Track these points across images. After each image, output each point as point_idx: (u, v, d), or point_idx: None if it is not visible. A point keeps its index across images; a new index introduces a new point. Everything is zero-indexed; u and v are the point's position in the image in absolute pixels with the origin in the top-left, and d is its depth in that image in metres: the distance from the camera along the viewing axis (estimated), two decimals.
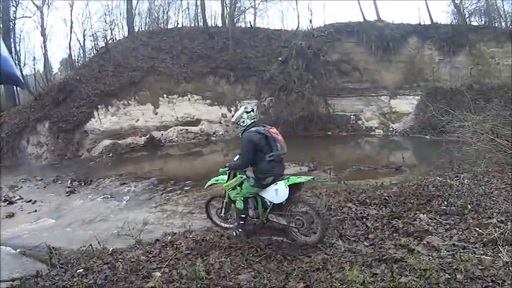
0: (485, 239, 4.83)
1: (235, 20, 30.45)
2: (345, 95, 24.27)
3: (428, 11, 26.66)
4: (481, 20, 27.98)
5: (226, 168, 5.79)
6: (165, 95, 23.38)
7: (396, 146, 19.48)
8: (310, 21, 29.25)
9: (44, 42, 30.37)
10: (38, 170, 16.85)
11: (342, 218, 6.16)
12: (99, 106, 20.95)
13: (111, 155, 19.59)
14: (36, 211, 11.10)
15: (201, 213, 7.31)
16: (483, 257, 4.38)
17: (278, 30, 28.78)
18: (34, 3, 29.54)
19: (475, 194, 6.76)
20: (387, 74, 23.93)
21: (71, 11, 31.11)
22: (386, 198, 6.95)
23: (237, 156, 5.82)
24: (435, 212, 5.99)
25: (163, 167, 16.79)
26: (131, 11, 29.20)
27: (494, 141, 9.04)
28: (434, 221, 5.70)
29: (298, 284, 4.24)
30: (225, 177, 5.94)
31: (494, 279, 3.94)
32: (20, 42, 30.81)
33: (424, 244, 4.96)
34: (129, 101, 22.22)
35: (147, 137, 21.55)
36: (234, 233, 5.68)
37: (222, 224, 6.39)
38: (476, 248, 4.68)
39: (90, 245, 6.32)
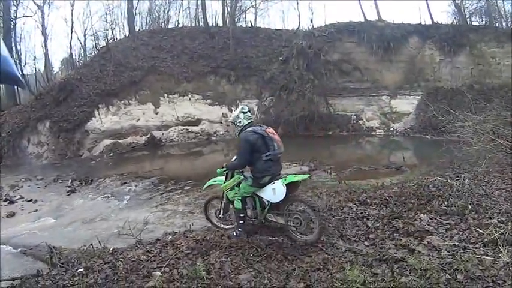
0: (485, 239, 4.82)
1: (236, 19, 30.48)
2: (346, 94, 24.25)
3: (429, 11, 26.78)
4: (482, 20, 28.00)
5: (223, 169, 5.80)
6: (165, 95, 23.40)
7: (397, 146, 19.47)
8: (311, 21, 29.42)
9: (45, 41, 30.45)
10: (39, 170, 16.88)
11: (343, 217, 6.15)
12: (99, 105, 20.98)
13: (111, 154, 19.61)
14: (36, 210, 11.12)
15: (201, 212, 7.30)
16: (484, 257, 4.38)
17: (279, 29, 28.80)
18: (35, 3, 29.70)
19: (475, 194, 6.74)
20: (388, 74, 23.92)
21: (72, 10, 31.00)
22: (387, 198, 6.95)
23: (235, 157, 5.82)
24: (436, 212, 5.99)
25: (164, 167, 16.79)
26: (132, 11, 29.24)
27: (494, 142, 9.02)
28: (435, 221, 5.70)
29: (299, 284, 4.24)
30: (223, 178, 5.95)
31: (494, 279, 3.93)
32: (20, 41, 30.93)
33: (424, 244, 4.96)
34: (130, 101, 22.24)
35: (148, 136, 21.57)
36: (234, 233, 5.69)
37: (221, 225, 6.37)
38: (476, 248, 4.68)
39: (91, 244, 6.33)
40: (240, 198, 5.67)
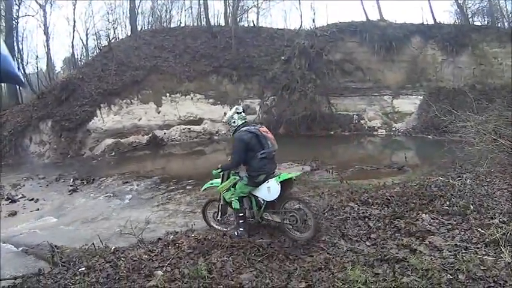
0: (487, 240, 4.81)
1: (238, 19, 30.51)
2: (348, 94, 24.24)
3: (431, 10, 26.66)
4: (484, 20, 28.02)
5: (219, 170, 5.85)
6: (167, 94, 23.42)
7: (399, 146, 19.45)
8: (313, 21, 29.14)
9: (47, 41, 30.42)
10: (41, 169, 16.90)
11: (344, 217, 6.15)
12: (101, 105, 21.01)
13: (113, 153, 19.64)
14: (38, 209, 11.15)
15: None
16: (485, 257, 4.37)
17: (281, 29, 28.84)
18: (37, 2, 29.69)
19: (477, 194, 6.73)
20: (390, 74, 23.91)
21: (74, 9, 31.30)
22: (389, 198, 6.94)
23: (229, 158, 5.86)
24: (437, 212, 5.97)
25: (166, 166, 16.83)
26: (134, 10, 29.30)
27: (496, 142, 9.00)
28: (437, 221, 5.69)
29: (300, 284, 4.24)
30: (219, 180, 6.00)
31: (496, 279, 3.93)
32: (22, 40, 31.05)
33: (426, 244, 4.95)
34: (132, 100, 22.27)
35: (150, 136, 21.59)
36: (236, 233, 5.69)
37: (220, 228, 6.37)
38: (478, 248, 4.67)
39: (93, 243, 6.33)
40: (237, 198, 5.72)
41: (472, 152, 9.49)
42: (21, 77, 3.13)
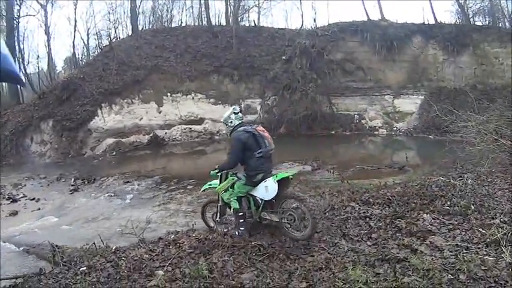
0: (488, 240, 4.81)
1: (239, 18, 30.44)
2: (349, 94, 24.26)
3: (433, 10, 26.47)
4: (485, 20, 27.99)
5: (216, 170, 5.88)
6: (168, 94, 23.44)
7: (400, 146, 19.45)
8: (314, 20, 29.08)
9: (48, 40, 30.53)
10: (42, 168, 16.93)
11: (345, 217, 6.14)
12: (102, 104, 21.05)
13: (114, 153, 19.66)
14: (39, 209, 11.17)
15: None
16: (486, 257, 4.37)
17: (282, 29, 28.82)
18: (38, 2, 29.71)
19: (478, 194, 6.72)
20: (391, 74, 23.91)
21: (75, 9, 31.40)
22: (390, 197, 6.93)
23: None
24: (438, 212, 5.96)
25: (167, 166, 16.85)
26: (135, 10, 29.29)
27: (498, 142, 8.99)
28: (438, 221, 5.68)
29: (301, 284, 4.24)
30: (217, 181, 6.02)
31: (496, 279, 3.92)
32: (23, 40, 31.12)
33: (427, 244, 4.95)
34: (133, 100, 22.30)
35: (151, 135, 21.62)
36: (237, 232, 5.69)
37: (219, 229, 6.37)
38: (479, 248, 4.66)
39: (93, 243, 6.34)
40: (236, 198, 5.75)
41: (473, 152, 9.48)
42: (21, 76, 3.12)
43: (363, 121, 23.69)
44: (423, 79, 23.19)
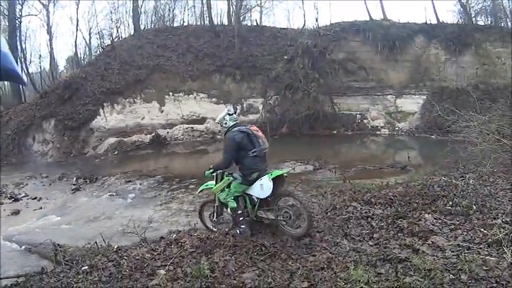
0: (490, 240, 4.80)
1: (241, 18, 30.35)
2: (351, 93, 24.25)
3: (435, 10, 26.46)
4: (487, 20, 27.87)
5: (211, 170, 5.95)
6: (170, 93, 23.42)
7: (402, 146, 19.44)
8: (316, 20, 29.01)
9: (50, 40, 30.50)
10: (44, 168, 16.94)
11: (347, 217, 6.15)
12: (104, 104, 21.05)
13: (116, 152, 19.67)
14: (41, 208, 11.19)
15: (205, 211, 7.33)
16: (488, 257, 4.36)
17: (284, 28, 28.84)
18: (40, 1, 29.82)
19: (480, 194, 6.71)
20: (393, 73, 23.88)
21: (77, 9, 31.44)
22: (392, 197, 6.92)
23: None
24: (440, 212, 5.96)
25: (169, 165, 16.84)
26: (137, 9, 29.21)
27: (500, 142, 8.99)
28: (439, 221, 5.68)
29: (303, 283, 4.24)
30: (214, 181, 6.06)
31: (498, 280, 3.92)
32: (26, 40, 31.09)
33: (428, 244, 4.94)
34: (135, 99, 22.29)
35: (153, 134, 21.60)
36: (238, 231, 5.70)
37: (216, 229, 6.38)
38: (481, 248, 4.66)
39: (95, 242, 6.36)
40: (233, 198, 5.78)
41: (475, 152, 9.48)
42: (22, 75, 3.13)
43: (365, 121, 23.67)
44: (425, 79, 23.15)
